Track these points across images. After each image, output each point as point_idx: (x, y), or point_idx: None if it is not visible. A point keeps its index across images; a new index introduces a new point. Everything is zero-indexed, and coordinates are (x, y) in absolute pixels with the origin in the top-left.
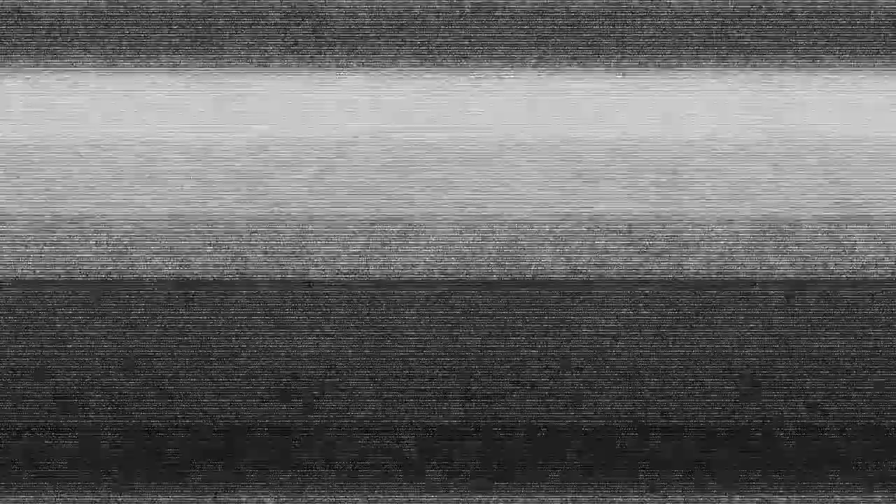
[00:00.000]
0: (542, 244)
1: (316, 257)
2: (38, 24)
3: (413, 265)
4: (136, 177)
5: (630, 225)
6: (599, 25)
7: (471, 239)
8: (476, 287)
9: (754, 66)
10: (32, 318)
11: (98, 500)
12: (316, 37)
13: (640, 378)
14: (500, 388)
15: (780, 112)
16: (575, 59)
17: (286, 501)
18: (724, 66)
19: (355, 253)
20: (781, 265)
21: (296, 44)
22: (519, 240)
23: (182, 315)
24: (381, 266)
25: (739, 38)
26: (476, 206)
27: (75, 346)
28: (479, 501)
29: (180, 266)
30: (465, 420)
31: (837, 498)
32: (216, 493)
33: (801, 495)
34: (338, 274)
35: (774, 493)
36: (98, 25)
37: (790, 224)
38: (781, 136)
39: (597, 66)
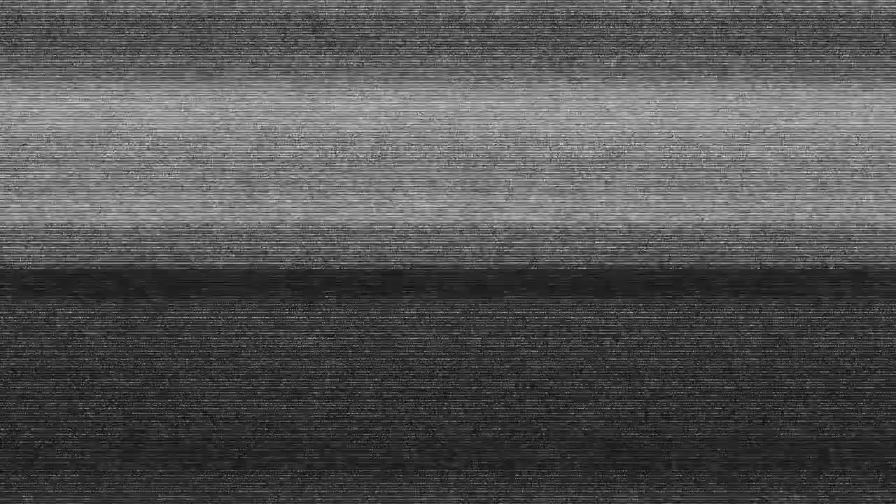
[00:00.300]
0: (542, 244)
1: (316, 257)
2: (38, 25)
3: (413, 265)
4: (136, 176)
5: (630, 225)
6: (599, 27)
7: (471, 239)
8: (476, 288)
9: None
10: (32, 318)
11: (98, 500)
12: (316, 37)
13: (640, 378)
14: (501, 388)
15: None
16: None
17: (286, 501)
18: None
19: (355, 253)
20: (782, 265)
21: (296, 43)
22: (519, 240)
23: (182, 315)
24: (380, 266)
25: (740, 38)
26: (477, 206)
27: (75, 346)
28: (479, 501)
29: (180, 266)
30: (464, 420)
31: (837, 498)
32: (216, 493)
33: (801, 495)
34: (338, 274)
35: (774, 493)
36: (98, 26)
37: (790, 224)
38: (780, 137)
39: (596, 65)
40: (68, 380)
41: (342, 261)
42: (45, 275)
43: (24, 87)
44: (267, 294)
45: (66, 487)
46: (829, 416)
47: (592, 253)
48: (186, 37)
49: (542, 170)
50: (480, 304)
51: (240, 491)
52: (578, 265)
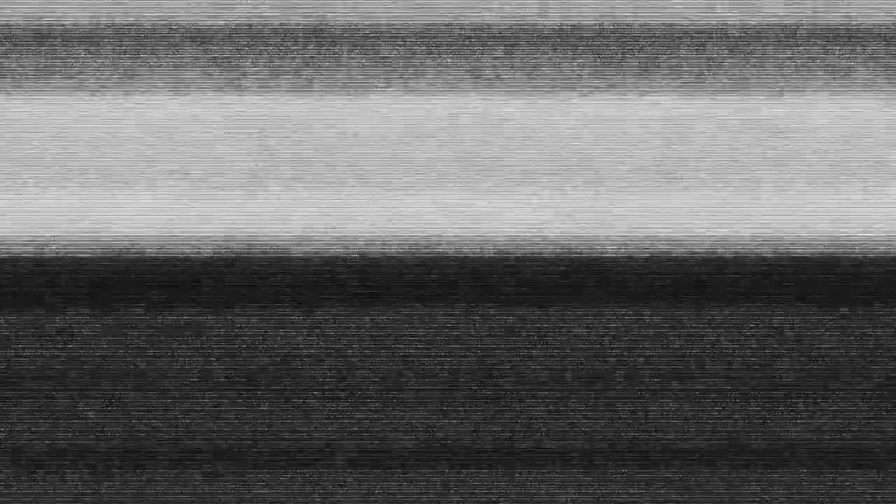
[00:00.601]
0: (542, 244)
1: (317, 257)
2: (39, 27)
3: (413, 265)
4: (135, 175)
5: (629, 225)
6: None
7: (471, 239)
8: (477, 287)
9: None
10: (32, 318)
11: (98, 500)
12: (316, 38)
13: (640, 378)
14: (500, 388)
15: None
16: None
17: (286, 501)
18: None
19: (355, 254)
20: (781, 264)
21: (295, 44)
22: (519, 240)
23: (182, 315)
24: (381, 265)
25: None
26: (477, 206)
27: (76, 346)
28: (479, 501)
29: (180, 266)
30: (464, 420)
31: (838, 498)
32: (216, 493)
33: (802, 495)
34: (339, 273)
35: (774, 493)
36: (99, 29)
37: (789, 224)
38: (779, 141)
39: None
40: (68, 380)
41: (343, 261)
42: (44, 274)
43: (25, 87)
44: (267, 294)
45: (66, 487)
46: (829, 416)
47: (592, 253)
48: (188, 39)
49: (540, 169)
50: (480, 304)
51: (240, 491)
52: (579, 265)
